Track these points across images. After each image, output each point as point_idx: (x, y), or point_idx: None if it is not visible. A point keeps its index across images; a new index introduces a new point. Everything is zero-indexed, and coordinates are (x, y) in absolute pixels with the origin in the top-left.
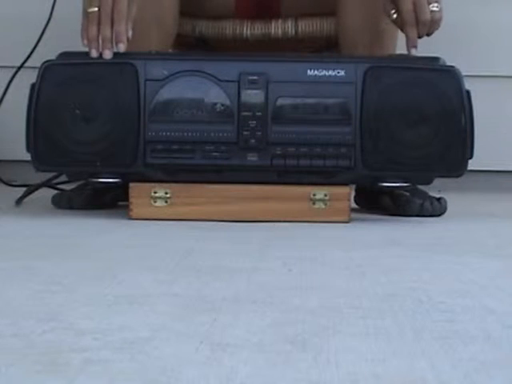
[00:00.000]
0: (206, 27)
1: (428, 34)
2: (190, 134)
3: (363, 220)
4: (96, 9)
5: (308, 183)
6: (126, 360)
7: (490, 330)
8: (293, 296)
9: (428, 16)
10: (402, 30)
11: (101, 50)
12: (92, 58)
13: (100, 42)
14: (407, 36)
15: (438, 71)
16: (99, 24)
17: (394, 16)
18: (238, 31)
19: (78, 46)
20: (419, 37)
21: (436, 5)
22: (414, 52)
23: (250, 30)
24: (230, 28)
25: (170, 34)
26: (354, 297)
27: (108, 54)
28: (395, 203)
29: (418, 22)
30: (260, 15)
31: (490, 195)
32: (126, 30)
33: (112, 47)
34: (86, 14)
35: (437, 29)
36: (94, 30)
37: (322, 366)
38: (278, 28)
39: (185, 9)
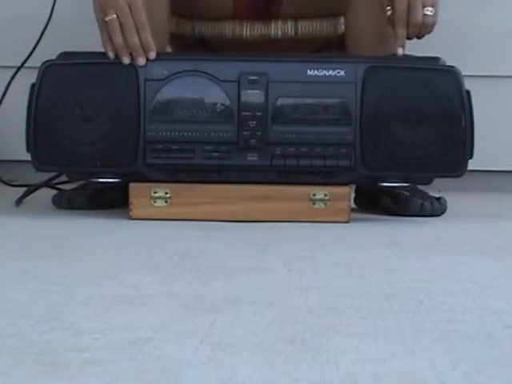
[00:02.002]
0: (205, 28)
1: (418, 37)
2: (190, 133)
3: (363, 220)
4: (114, 16)
5: (308, 183)
6: (126, 360)
7: (490, 330)
8: (293, 296)
9: (419, 18)
10: (392, 28)
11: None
12: (92, 58)
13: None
14: (396, 34)
15: (438, 71)
16: (123, 32)
17: (389, 13)
18: (237, 32)
19: (78, 46)
20: (409, 38)
21: (430, 9)
22: (400, 52)
23: (249, 30)
24: (229, 29)
25: (163, 34)
26: (354, 297)
27: (142, 61)
28: (395, 203)
29: (409, 22)
30: (257, 17)
31: (490, 195)
32: (151, 38)
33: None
34: (104, 24)
35: (428, 33)
36: (119, 38)
37: (321, 365)
38: (277, 29)
39: (183, 10)
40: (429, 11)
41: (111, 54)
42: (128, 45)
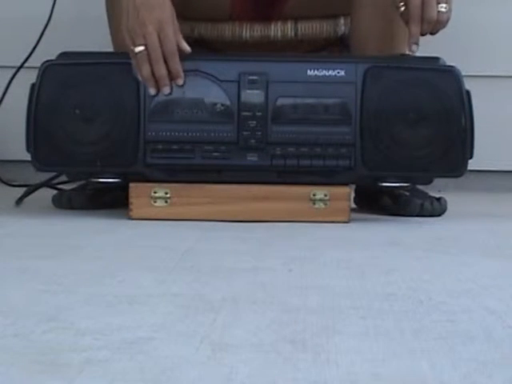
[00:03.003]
0: (204, 29)
1: (432, 33)
2: (190, 133)
3: (363, 220)
4: (142, 48)
5: (308, 183)
6: (125, 360)
7: (490, 330)
8: (293, 296)
9: (434, 15)
10: (406, 25)
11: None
12: (92, 58)
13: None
14: (410, 31)
15: (438, 71)
16: (151, 62)
17: (402, 9)
18: (236, 33)
19: (78, 46)
20: (422, 34)
21: (445, 5)
22: (414, 48)
23: (249, 32)
24: (228, 30)
25: None
26: (354, 297)
27: (167, 90)
28: (395, 203)
29: (423, 19)
30: (256, 18)
31: (490, 195)
32: (180, 65)
33: (170, 83)
34: (133, 54)
35: (442, 29)
36: (147, 68)
37: (321, 365)
38: (277, 30)
39: (181, 11)
40: (443, 7)
41: (140, 79)
42: (155, 75)
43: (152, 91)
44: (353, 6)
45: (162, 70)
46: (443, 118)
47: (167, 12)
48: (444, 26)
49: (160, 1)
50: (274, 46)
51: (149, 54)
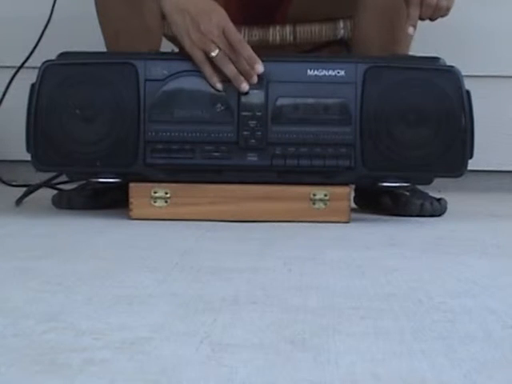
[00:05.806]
0: None
1: (431, 19)
2: (189, 134)
3: (363, 220)
4: (217, 50)
5: (308, 183)
6: (125, 360)
7: (490, 330)
8: (293, 296)
9: (434, 0)
10: (407, 8)
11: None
12: (92, 58)
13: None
14: (408, 13)
15: (438, 71)
16: (232, 61)
17: None
18: None
19: (78, 46)
20: (422, 18)
21: None
22: (411, 30)
23: (247, 36)
24: None
25: (155, 35)
26: (354, 297)
27: (255, 80)
28: (395, 203)
29: (422, 2)
30: (250, 23)
31: (490, 195)
32: (252, 51)
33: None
34: (207, 62)
35: (442, 16)
36: (232, 67)
37: (322, 365)
38: (275, 35)
39: None
40: None
41: (220, 86)
42: (240, 71)
43: (245, 86)
44: (355, 9)
45: (244, 65)
46: (443, 117)
47: (222, 12)
48: (444, 14)
49: (212, 6)
50: (272, 49)
51: (226, 55)
